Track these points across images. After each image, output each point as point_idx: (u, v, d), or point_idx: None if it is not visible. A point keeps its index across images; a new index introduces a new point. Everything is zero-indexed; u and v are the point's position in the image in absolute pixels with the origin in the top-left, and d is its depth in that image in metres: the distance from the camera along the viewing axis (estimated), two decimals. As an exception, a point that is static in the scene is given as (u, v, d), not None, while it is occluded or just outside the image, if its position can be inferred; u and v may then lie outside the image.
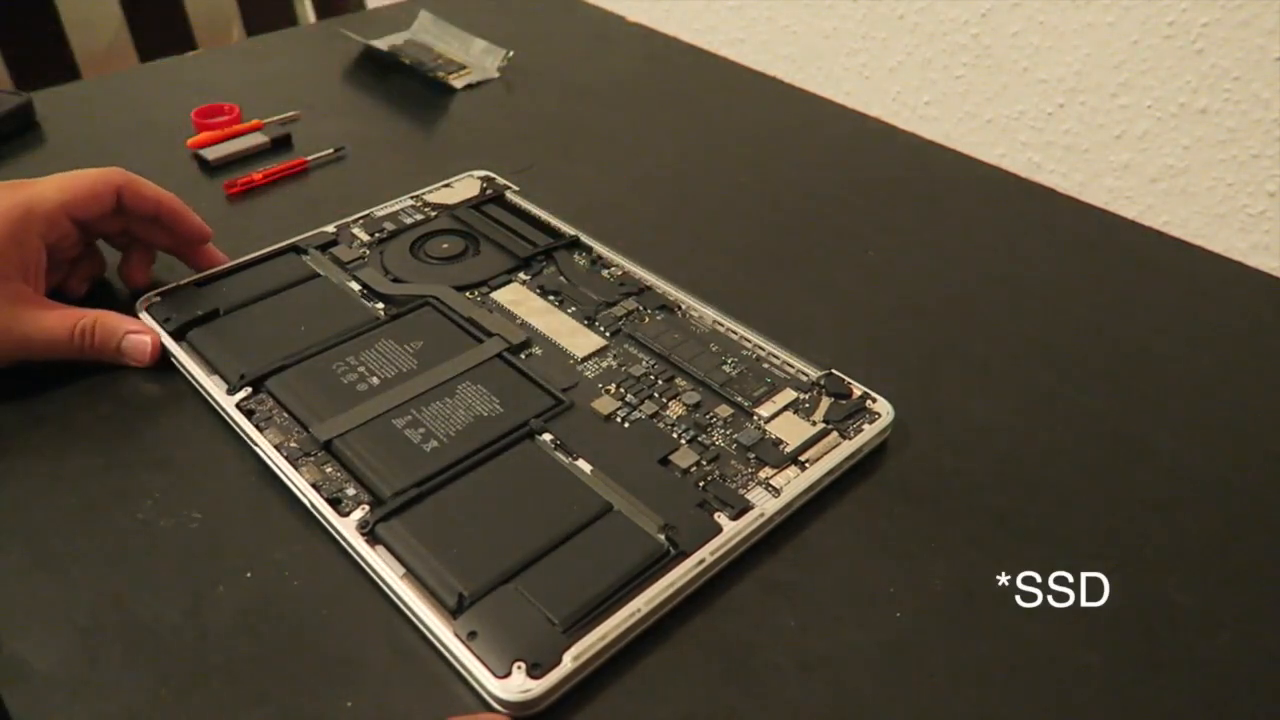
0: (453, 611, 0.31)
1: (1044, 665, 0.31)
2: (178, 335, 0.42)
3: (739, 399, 0.39)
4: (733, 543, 0.33)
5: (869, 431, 0.38)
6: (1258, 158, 0.56)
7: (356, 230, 0.50)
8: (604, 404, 0.39)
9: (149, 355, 0.42)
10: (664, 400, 0.39)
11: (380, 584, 0.33)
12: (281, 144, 0.59)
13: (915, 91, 0.71)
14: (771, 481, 0.36)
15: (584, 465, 0.36)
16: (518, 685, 0.29)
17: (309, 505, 0.35)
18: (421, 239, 0.49)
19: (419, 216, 0.51)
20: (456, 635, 0.30)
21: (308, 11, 1.03)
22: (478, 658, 0.30)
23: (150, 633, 0.32)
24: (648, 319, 0.44)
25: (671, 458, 0.37)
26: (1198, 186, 0.59)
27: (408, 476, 0.35)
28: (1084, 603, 0.33)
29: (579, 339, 0.42)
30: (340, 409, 0.38)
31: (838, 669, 0.31)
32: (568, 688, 0.30)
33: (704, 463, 0.37)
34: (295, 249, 0.48)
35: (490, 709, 0.29)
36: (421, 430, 0.37)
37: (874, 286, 0.48)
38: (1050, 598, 0.33)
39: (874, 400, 0.39)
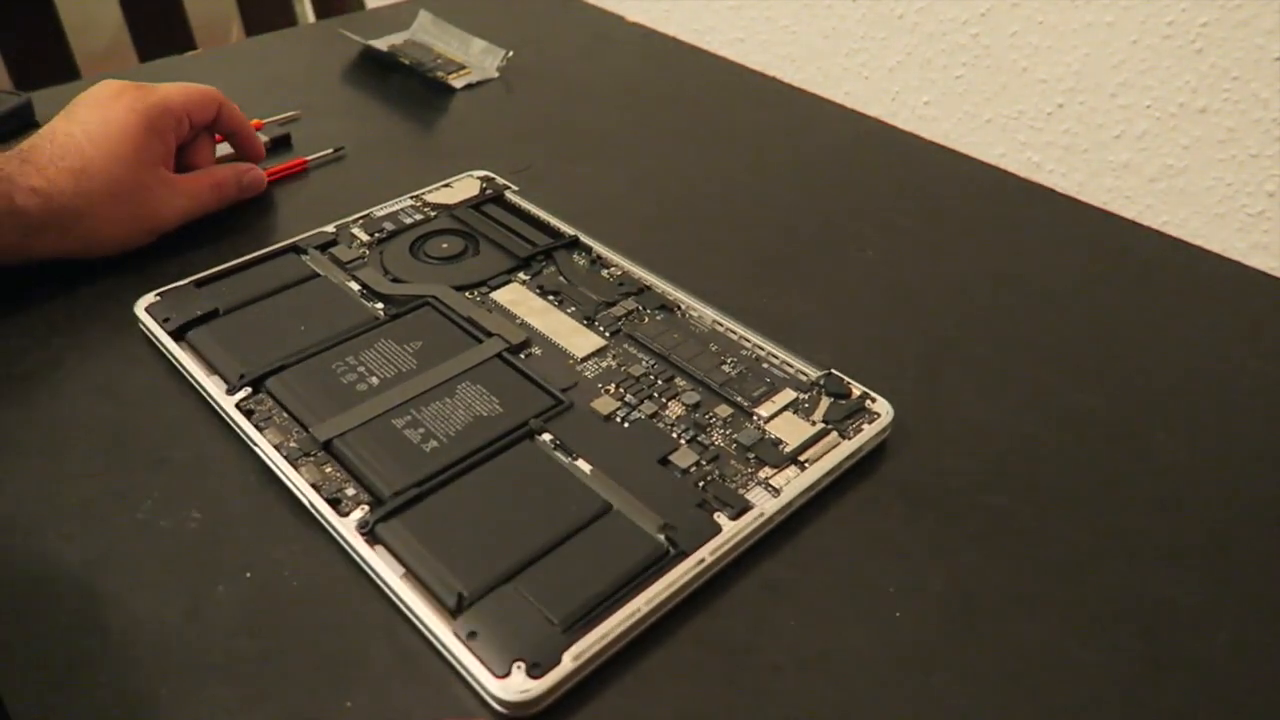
0: (452, 611, 0.31)
1: (1044, 665, 0.31)
2: (177, 335, 0.42)
3: (738, 399, 0.39)
4: (732, 543, 0.34)
5: (868, 431, 0.38)
6: (1257, 157, 0.56)
7: (356, 230, 0.50)
8: (604, 404, 0.39)
9: (262, 183, 0.53)
10: (664, 400, 0.39)
11: (380, 584, 0.33)
12: (281, 144, 0.59)
13: (915, 91, 0.71)
14: (771, 481, 0.36)
15: (584, 465, 0.36)
16: (517, 685, 0.29)
17: (308, 505, 0.35)
18: (421, 239, 0.49)
19: (418, 216, 0.51)
20: (456, 635, 0.30)
21: (307, 11, 1.04)
22: (477, 658, 0.30)
23: (150, 633, 0.32)
24: (647, 319, 0.44)
25: (671, 458, 0.37)
26: (1197, 186, 0.59)
27: (407, 476, 0.35)
28: (1084, 602, 0.33)
29: (578, 339, 0.43)
30: (340, 409, 0.38)
31: (837, 669, 0.31)
32: (567, 688, 0.30)
33: (704, 463, 0.37)
34: (295, 249, 0.48)
35: (490, 709, 0.29)
36: (421, 430, 0.37)
37: (874, 286, 0.48)
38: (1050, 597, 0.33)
39: (873, 400, 0.39)
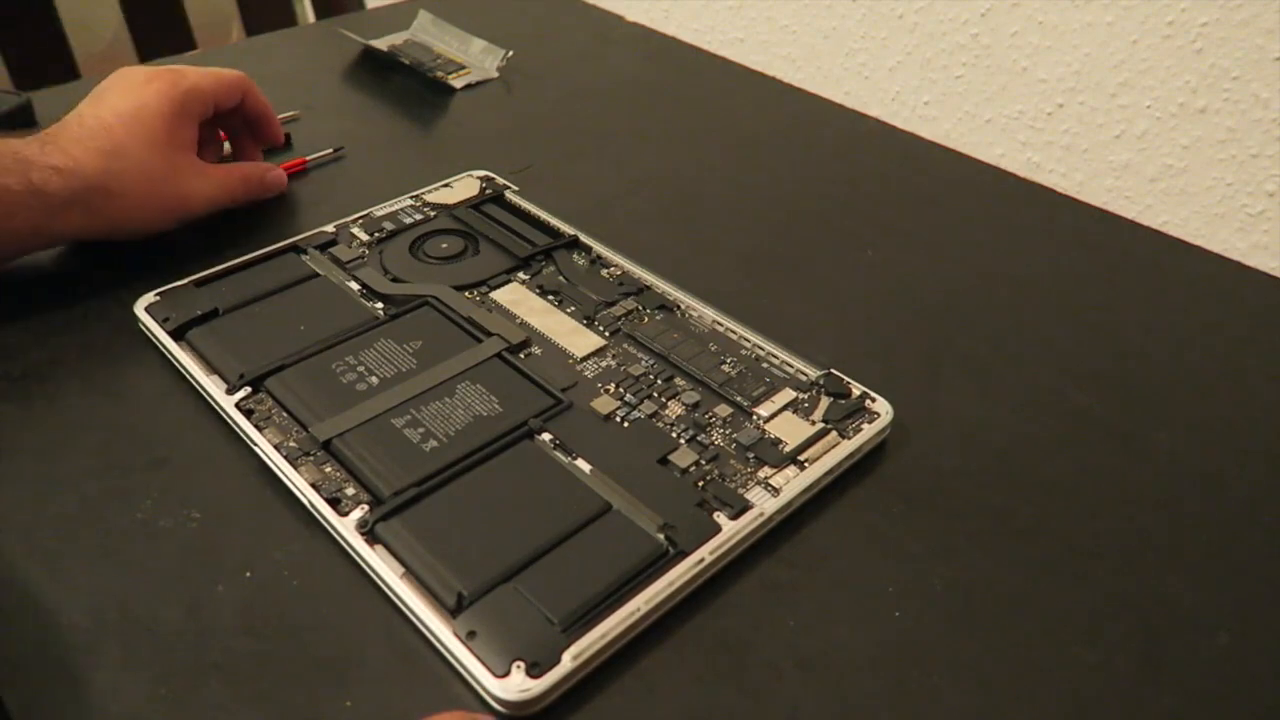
0: (452, 611, 0.31)
1: (1044, 665, 0.31)
2: (177, 335, 0.42)
3: (738, 399, 0.39)
4: (732, 542, 0.33)
5: (868, 431, 0.38)
6: (1257, 157, 0.56)
7: (356, 230, 0.50)
8: (603, 403, 0.39)
9: (284, 183, 0.54)
10: (663, 400, 0.39)
11: (379, 584, 0.33)
12: (281, 146, 0.59)
13: (914, 91, 0.71)
14: (771, 481, 0.36)
15: (583, 465, 0.36)
16: (517, 685, 0.29)
17: (308, 505, 0.35)
18: (421, 239, 0.49)
19: (418, 216, 0.51)
20: (456, 635, 0.30)
21: (307, 11, 1.03)
22: (477, 657, 0.30)
23: (150, 633, 0.32)
24: (647, 319, 0.44)
25: (671, 457, 0.37)
26: (1197, 186, 0.59)
27: (407, 476, 0.35)
28: (1084, 602, 0.33)
29: (578, 339, 0.42)
30: (339, 408, 0.38)
31: (837, 669, 0.31)
32: (567, 687, 0.30)
33: (703, 462, 0.37)
34: (295, 249, 0.48)
35: (489, 708, 0.29)
36: (421, 430, 0.37)
37: (874, 286, 0.48)
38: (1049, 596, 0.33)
39: (873, 400, 0.39)
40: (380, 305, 0.44)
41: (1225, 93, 0.56)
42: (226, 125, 0.54)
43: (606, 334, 0.43)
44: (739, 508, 0.34)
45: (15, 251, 0.45)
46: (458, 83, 0.67)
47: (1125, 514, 0.36)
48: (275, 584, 0.33)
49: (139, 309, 0.43)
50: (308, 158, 0.57)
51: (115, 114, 0.45)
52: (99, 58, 0.99)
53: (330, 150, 0.58)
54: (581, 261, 0.48)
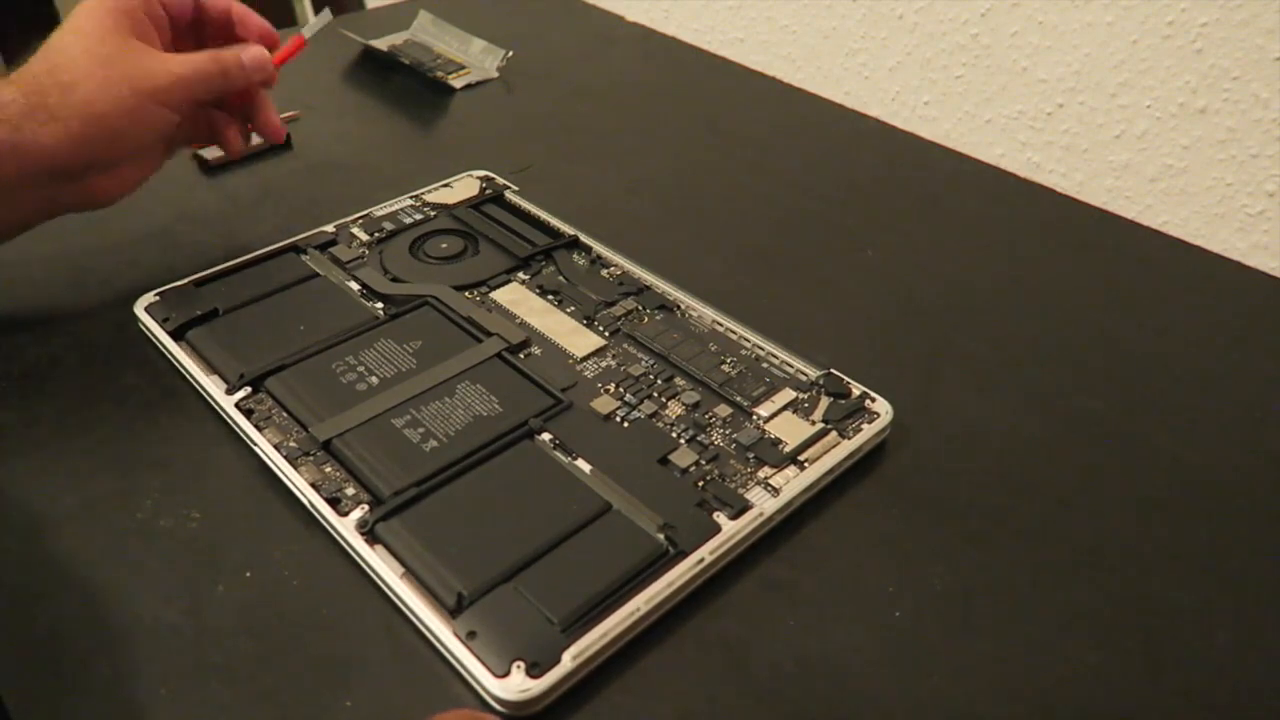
0: (452, 611, 0.31)
1: (1044, 665, 0.31)
2: (177, 335, 0.42)
3: (738, 399, 0.39)
4: (732, 542, 0.33)
5: (868, 431, 0.38)
6: (1257, 157, 0.56)
7: (356, 230, 0.50)
8: (603, 403, 0.39)
9: (268, 68, 0.46)
10: (663, 400, 0.39)
11: (379, 584, 0.33)
12: (281, 143, 0.59)
13: (914, 91, 0.71)
14: (770, 481, 0.36)
15: (583, 465, 0.36)
16: (517, 684, 0.29)
17: (308, 505, 0.35)
18: (421, 239, 0.49)
19: (418, 216, 0.51)
20: (456, 635, 0.30)
21: (307, 11, 1.03)
22: (477, 657, 0.30)
23: (150, 633, 0.32)
24: (647, 319, 0.44)
25: (671, 457, 0.37)
26: (1197, 186, 0.59)
27: (407, 476, 0.35)
28: (1084, 602, 0.33)
29: (578, 339, 0.42)
30: (339, 409, 0.38)
31: (837, 668, 0.31)
32: (567, 687, 0.30)
33: (703, 462, 0.37)
34: (295, 249, 0.48)
35: (489, 708, 0.29)
36: (421, 430, 0.37)
37: (873, 286, 0.48)
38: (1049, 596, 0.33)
39: (873, 400, 0.39)
40: (380, 305, 0.44)
41: (1225, 93, 0.56)
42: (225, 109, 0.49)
43: (606, 334, 0.43)
44: (739, 508, 0.34)
45: (9, 206, 0.42)
46: (458, 83, 0.67)
47: (1125, 514, 0.36)
48: (275, 584, 0.33)
49: (139, 309, 0.43)
50: (306, 36, 0.52)
51: (58, 30, 0.42)
52: (99, 58, 0.99)
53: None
54: (581, 261, 0.48)
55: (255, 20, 0.49)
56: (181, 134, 0.47)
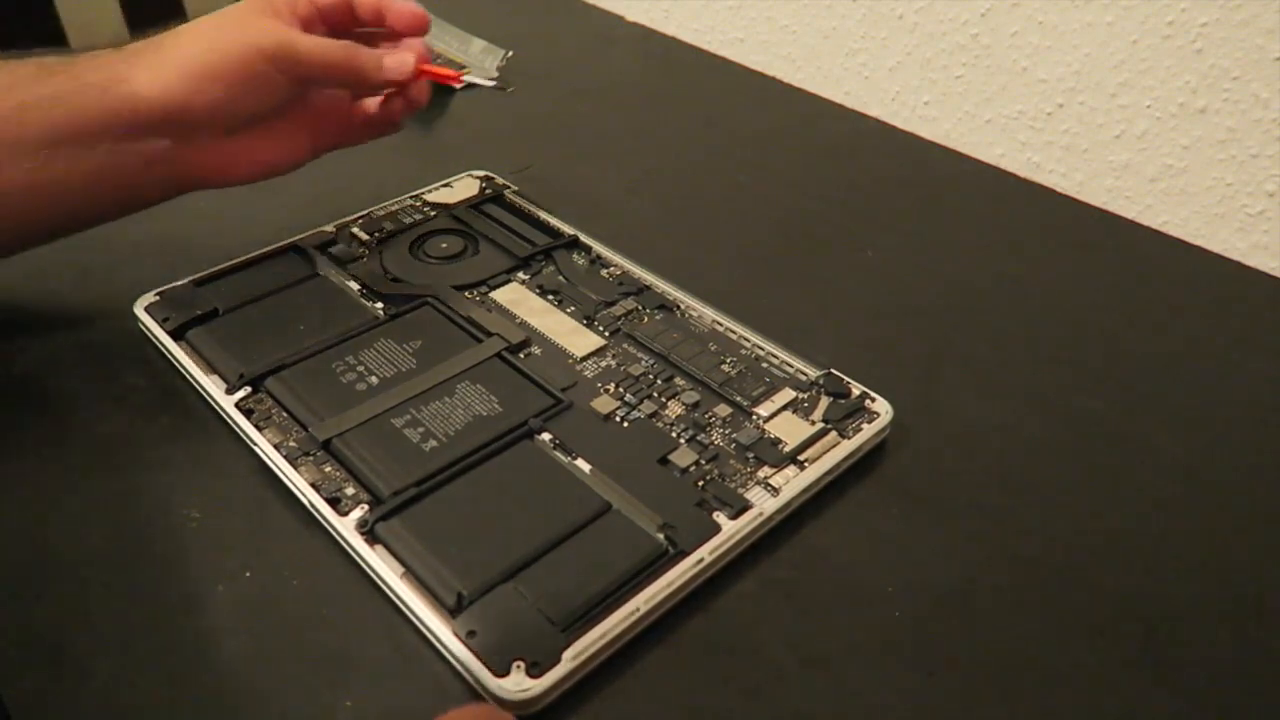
0: (452, 610, 0.31)
1: (1043, 665, 0.31)
2: (177, 335, 0.42)
3: (738, 398, 0.39)
4: (732, 542, 0.33)
5: (868, 431, 0.38)
6: (1257, 157, 0.56)
7: (356, 230, 0.50)
8: (603, 403, 0.39)
9: (409, 69, 0.43)
10: (663, 400, 0.39)
11: (379, 583, 0.33)
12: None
13: (914, 91, 0.71)
14: (770, 481, 0.36)
15: (583, 465, 0.36)
16: (516, 684, 0.29)
17: (308, 505, 0.35)
18: (421, 239, 0.49)
19: (418, 216, 0.51)
20: (455, 634, 0.30)
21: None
22: (477, 656, 0.30)
23: (150, 633, 0.32)
24: (647, 318, 0.44)
25: (670, 457, 0.37)
26: (1197, 186, 0.59)
27: (407, 476, 0.35)
28: (1083, 602, 0.33)
29: (578, 338, 0.42)
30: (339, 408, 0.38)
31: (837, 668, 0.31)
32: (566, 687, 0.30)
33: (703, 462, 0.37)
34: (295, 249, 0.48)
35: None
36: (421, 430, 0.37)
37: (873, 286, 0.48)
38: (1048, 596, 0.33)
39: (873, 399, 0.39)
40: (380, 305, 0.44)
41: (1225, 93, 0.56)
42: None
43: (606, 334, 0.43)
44: (739, 507, 0.34)
45: (117, 169, 0.40)
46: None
47: (1125, 514, 0.36)
48: (274, 583, 0.33)
49: (139, 309, 0.43)
50: (461, 72, 0.48)
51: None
52: (99, 58, 0.99)
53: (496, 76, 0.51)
54: (581, 261, 0.48)
55: (399, 5, 0.44)
56: (329, 134, 0.45)
